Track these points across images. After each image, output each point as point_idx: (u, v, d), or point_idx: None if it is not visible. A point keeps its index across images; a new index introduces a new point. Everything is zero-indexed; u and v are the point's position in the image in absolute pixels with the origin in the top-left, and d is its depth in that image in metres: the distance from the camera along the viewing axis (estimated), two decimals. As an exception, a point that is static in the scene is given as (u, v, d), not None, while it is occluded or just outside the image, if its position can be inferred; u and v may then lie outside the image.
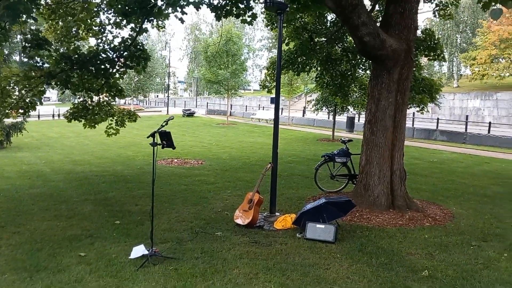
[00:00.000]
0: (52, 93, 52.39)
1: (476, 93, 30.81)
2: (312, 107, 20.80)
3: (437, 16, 10.95)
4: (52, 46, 8.54)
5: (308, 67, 10.56)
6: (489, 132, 20.22)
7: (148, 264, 4.59)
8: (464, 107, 30.84)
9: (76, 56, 8.35)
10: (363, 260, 4.83)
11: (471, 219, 6.65)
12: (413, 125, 23.30)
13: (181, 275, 4.34)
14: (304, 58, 10.28)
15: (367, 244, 5.38)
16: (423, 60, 15.58)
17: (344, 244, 5.37)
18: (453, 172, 11.48)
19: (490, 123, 21.49)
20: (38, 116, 33.31)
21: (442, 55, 10.33)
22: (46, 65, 8.43)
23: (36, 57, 8.22)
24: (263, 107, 41.92)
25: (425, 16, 36.12)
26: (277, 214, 6.58)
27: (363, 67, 11.35)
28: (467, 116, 26.38)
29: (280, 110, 7.24)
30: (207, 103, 49.72)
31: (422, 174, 11.03)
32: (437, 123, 23.17)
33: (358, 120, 25.22)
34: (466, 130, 21.27)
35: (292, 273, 4.43)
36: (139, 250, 4.93)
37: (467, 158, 14.48)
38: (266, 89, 11.46)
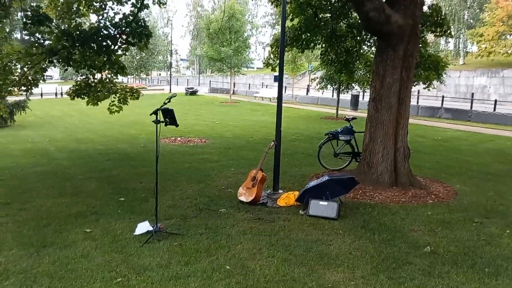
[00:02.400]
0: (54, 72, 52.16)
1: (483, 70, 30.38)
2: (317, 85, 20.61)
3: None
4: (53, 23, 8.43)
5: (312, 44, 10.38)
6: (494, 110, 20.01)
7: (152, 240, 4.65)
8: (470, 84, 30.46)
9: (78, 33, 8.25)
10: (366, 236, 4.87)
11: (474, 196, 6.67)
12: (417, 103, 23.10)
13: (186, 251, 4.40)
14: (309, 34, 10.09)
15: (369, 220, 5.41)
16: (430, 37, 15.31)
17: (347, 220, 5.41)
18: (457, 150, 11.45)
19: (496, 100, 21.27)
20: (41, 95, 33.32)
21: (448, 31, 10.12)
22: (47, 42, 8.35)
23: (37, 34, 8.13)
24: (267, 85, 41.60)
25: (432, -9, 35.33)
26: (280, 191, 6.61)
27: (369, 44, 11.15)
28: (472, 93, 26.10)
29: (283, 88, 7.17)
30: (210, 81, 49.39)
31: (426, 151, 11.01)
32: (442, 101, 22.96)
33: (363, 98, 25.04)
34: (471, 108, 21.10)
35: (295, 248, 4.48)
36: (143, 226, 4.99)
37: (472, 136, 14.41)
38: (270, 67, 11.32)
